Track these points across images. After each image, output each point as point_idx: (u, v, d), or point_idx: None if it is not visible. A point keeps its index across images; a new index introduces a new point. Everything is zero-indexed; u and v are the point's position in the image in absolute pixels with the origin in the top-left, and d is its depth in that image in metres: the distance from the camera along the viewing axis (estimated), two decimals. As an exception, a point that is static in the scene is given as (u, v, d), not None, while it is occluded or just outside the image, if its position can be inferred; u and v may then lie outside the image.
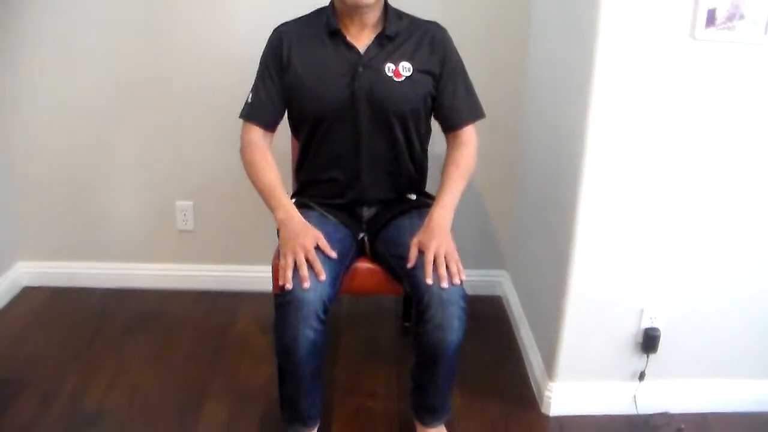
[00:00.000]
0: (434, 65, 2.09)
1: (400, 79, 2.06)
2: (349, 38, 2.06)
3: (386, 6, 2.09)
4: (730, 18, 1.89)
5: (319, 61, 2.06)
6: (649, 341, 2.22)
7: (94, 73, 2.77)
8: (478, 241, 3.01)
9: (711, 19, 1.88)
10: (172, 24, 2.72)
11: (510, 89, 2.77)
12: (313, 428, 2.08)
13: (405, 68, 2.06)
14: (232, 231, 3.01)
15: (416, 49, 2.08)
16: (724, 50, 1.92)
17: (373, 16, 2.05)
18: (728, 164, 2.04)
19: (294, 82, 2.08)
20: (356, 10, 2.01)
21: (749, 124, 2.00)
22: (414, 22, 2.12)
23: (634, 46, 1.90)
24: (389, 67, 2.05)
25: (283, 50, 2.08)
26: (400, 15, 2.11)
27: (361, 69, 2.04)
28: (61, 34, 2.72)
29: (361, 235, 2.16)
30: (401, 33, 2.08)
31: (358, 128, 2.07)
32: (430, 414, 2.09)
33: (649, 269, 2.15)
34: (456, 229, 2.02)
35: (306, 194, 2.21)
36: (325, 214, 2.11)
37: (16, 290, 3.05)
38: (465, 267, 1.94)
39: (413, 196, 2.21)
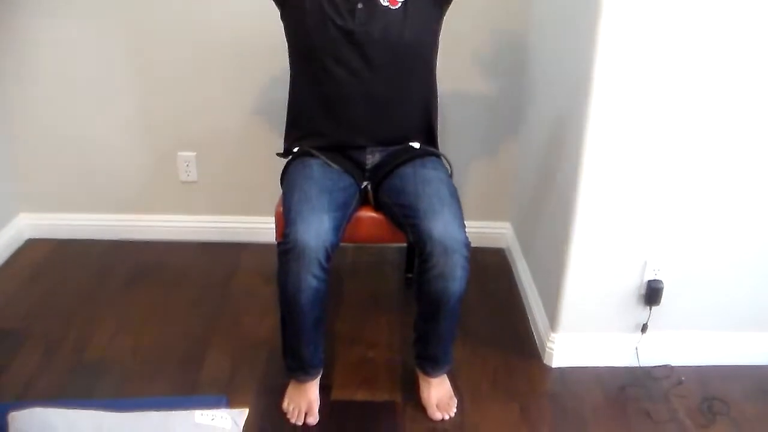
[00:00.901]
0: None
1: (395, 6, 2.04)
2: None
3: None
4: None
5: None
6: (652, 293, 2.21)
7: (92, 23, 2.73)
8: (482, 192, 2.99)
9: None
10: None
11: (515, 35, 2.73)
12: (316, 377, 2.09)
13: None
14: (236, 182, 3.00)
15: None
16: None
17: None
18: (732, 115, 2.01)
19: (291, 5, 2.07)
20: None
21: (752, 73, 1.96)
22: None
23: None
24: None
25: None
26: None
27: (360, 5, 2.02)
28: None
29: (365, 183, 2.14)
30: None
31: (356, 66, 2.05)
32: (432, 364, 2.10)
33: (652, 221, 2.14)
34: (460, 180, 2.01)
35: (306, 139, 2.19)
36: (329, 162, 2.10)
37: (19, 242, 3.05)
38: (468, 219, 1.94)
39: (416, 144, 2.19)
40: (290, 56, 2.19)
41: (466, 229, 1.91)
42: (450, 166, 2.18)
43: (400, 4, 2.04)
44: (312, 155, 2.13)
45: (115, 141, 2.94)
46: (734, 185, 2.10)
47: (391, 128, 2.15)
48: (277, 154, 2.26)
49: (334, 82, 2.07)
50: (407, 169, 2.09)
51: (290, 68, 2.21)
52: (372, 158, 2.15)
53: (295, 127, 2.24)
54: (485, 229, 3.02)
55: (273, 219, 2.16)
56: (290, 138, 2.25)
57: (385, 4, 2.04)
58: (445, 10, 2.15)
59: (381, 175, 2.12)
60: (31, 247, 3.05)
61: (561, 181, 2.24)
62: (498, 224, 3.07)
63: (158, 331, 2.48)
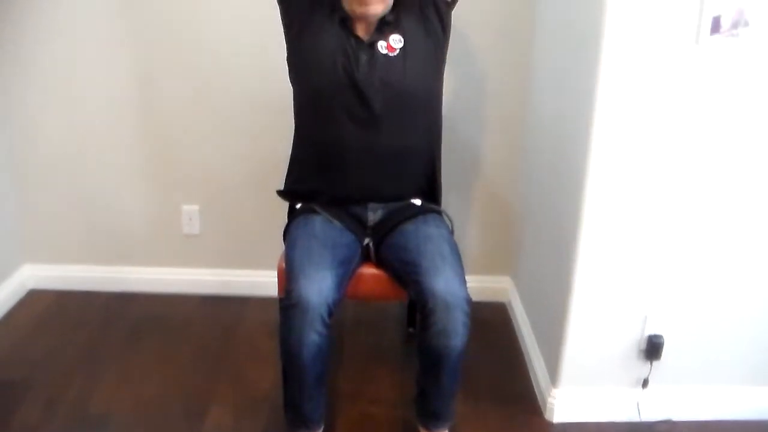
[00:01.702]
0: (419, 17, 2.11)
1: (393, 53, 2.07)
2: (354, 27, 2.09)
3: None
4: (735, 25, 1.89)
5: (324, 39, 2.08)
6: (652, 348, 2.22)
7: (100, 76, 2.79)
8: (483, 246, 3.01)
9: (716, 26, 1.88)
10: (181, 27, 2.72)
11: (515, 96, 2.77)
12: (317, 432, 2.09)
13: (395, 40, 2.08)
14: (238, 235, 3.02)
15: (404, 17, 2.10)
16: (728, 57, 1.92)
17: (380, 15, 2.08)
18: (732, 172, 2.04)
19: (303, 43, 2.11)
20: (365, 18, 2.06)
21: (754, 131, 2.00)
22: None
23: (638, 53, 1.90)
24: (381, 45, 2.07)
25: (315, 4, 2.11)
26: None
27: (360, 54, 2.06)
28: (69, 35, 2.73)
29: (367, 240, 2.16)
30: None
31: (359, 113, 2.07)
32: (434, 419, 2.10)
33: (652, 276, 2.15)
34: (460, 235, 2.02)
35: (304, 190, 2.21)
36: (331, 218, 2.11)
37: (22, 293, 3.06)
38: (469, 273, 1.95)
39: (418, 201, 2.21)
40: (295, 102, 2.22)
41: (468, 284, 1.93)
42: (451, 223, 2.20)
43: (398, 51, 2.08)
44: (314, 211, 2.15)
45: (120, 193, 2.97)
46: (734, 240, 2.12)
47: (393, 183, 2.17)
48: (277, 192, 2.29)
49: (337, 130, 2.09)
50: (409, 226, 2.10)
51: (294, 118, 2.23)
52: (374, 215, 2.17)
53: (296, 177, 2.26)
54: (486, 283, 3.03)
55: (275, 273, 2.18)
56: (291, 185, 2.27)
57: (384, 51, 2.07)
58: (445, 52, 2.19)
59: (383, 232, 2.14)
60: (33, 298, 3.06)
61: (561, 236, 2.25)
62: (499, 278, 3.08)
63: (161, 384, 2.47)
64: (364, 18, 2.06)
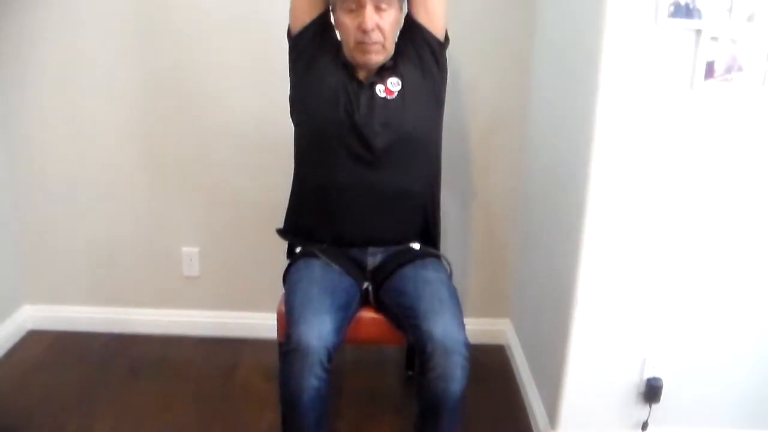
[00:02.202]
0: (415, 60, 2.15)
1: (391, 96, 2.11)
2: (355, 70, 2.13)
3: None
4: (728, 70, 1.92)
5: (328, 78, 2.12)
6: (651, 391, 2.22)
7: (100, 116, 2.82)
8: (481, 289, 3.01)
9: (710, 71, 1.92)
10: (181, 73, 2.77)
11: (513, 139, 2.80)
12: (316, 477, 2.08)
13: (393, 83, 2.12)
14: (238, 277, 3.02)
15: (401, 61, 2.15)
16: (722, 101, 1.95)
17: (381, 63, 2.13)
18: (728, 215, 2.06)
19: (308, 80, 2.15)
20: (366, 66, 2.11)
21: (748, 173, 2.02)
22: None
23: (634, 98, 1.93)
24: (380, 88, 2.11)
25: (321, 46, 2.15)
26: None
27: (360, 96, 2.10)
28: (70, 72, 2.77)
29: (366, 284, 2.17)
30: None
31: (359, 153, 2.10)
32: (433, 463, 2.09)
33: (651, 319, 2.16)
34: (459, 277, 2.03)
35: (304, 230, 2.23)
36: (330, 262, 2.13)
37: (21, 333, 3.06)
38: (468, 315, 1.96)
39: (417, 245, 2.22)
40: (295, 142, 2.25)
41: (467, 326, 1.94)
42: (450, 267, 2.21)
43: (396, 94, 2.11)
44: (314, 255, 2.16)
45: (120, 234, 2.98)
46: (732, 282, 2.13)
47: (393, 225, 2.19)
48: (277, 231, 2.30)
49: (337, 169, 2.12)
50: (408, 270, 2.12)
51: (294, 158, 2.26)
52: (373, 259, 2.19)
53: (296, 217, 2.28)
54: (485, 326, 3.02)
55: (274, 315, 2.18)
56: (291, 225, 2.29)
57: (382, 95, 2.11)
58: (443, 93, 2.23)
59: (382, 276, 2.15)
60: (33, 338, 3.06)
61: (560, 278, 2.27)
62: (498, 321, 3.07)
63: (159, 425, 2.47)
64: (365, 66, 2.11)
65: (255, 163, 2.84)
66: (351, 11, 2.05)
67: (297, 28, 2.14)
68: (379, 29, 2.04)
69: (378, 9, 2.03)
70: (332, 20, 2.14)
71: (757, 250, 2.10)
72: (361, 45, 2.06)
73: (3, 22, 2.70)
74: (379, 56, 2.09)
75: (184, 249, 2.99)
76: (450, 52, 2.21)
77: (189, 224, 2.96)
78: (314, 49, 2.14)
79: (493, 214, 2.90)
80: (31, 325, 3.11)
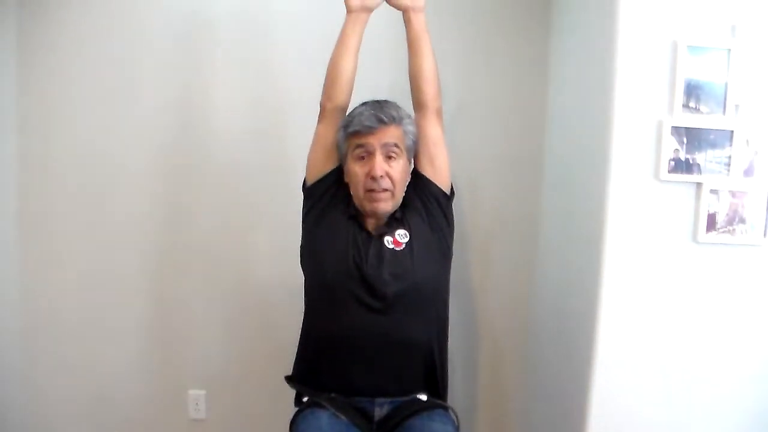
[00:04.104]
0: (423, 212, 2.20)
1: (399, 248, 2.14)
2: (365, 221, 2.18)
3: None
4: (730, 222, 1.96)
5: (337, 230, 2.17)
6: None
7: (107, 263, 2.88)
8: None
9: (712, 223, 1.96)
10: (188, 209, 2.86)
11: (520, 292, 2.84)
12: None
13: (401, 235, 2.16)
14: (245, 421, 2.98)
15: (408, 213, 2.19)
16: (724, 252, 1.98)
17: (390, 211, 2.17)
18: (731, 361, 2.06)
19: (318, 232, 2.19)
20: (374, 215, 2.15)
21: (750, 322, 2.03)
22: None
23: (639, 251, 1.97)
24: (388, 240, 2.14)
25: (333, 199, 2.21)
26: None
27: (369, 248, 2.13)
28: (77, 209, 2.86)
29: (373, 436, 2.15)
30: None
31: (368, 302, 2.11)
32: None
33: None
34: (467, 428, 2.01)
35: (312, 379, 2.21)
36: (337, 413, 2.11)
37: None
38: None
39: (424, 397, 2.19)
40: (306, 287, 2.26)
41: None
42: (457, 419, 2.18)
43: (404, 245, 2.15)
44: (321, 405, 2.14)
45: (126, 376, 2.96)
46: (733, 416, 2.11)
47: (401, 375, 2.18)
48: (285, 378, 2.29)
49: (346, 318, 2.12)
50: (415, 422, 2.09)
51: (304, 306, 2.27)
52: (380, 410, 2.16)
53: (305, 365, 2.26)
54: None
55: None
56: (299, 373, 2.27)
57: (390, 246, 2.15)
58: (451, 243, 2.26)
59: (389, 427, 2.12)
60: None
61: (567, 426, 2.24)
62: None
63: None
64: (374, 214, 2.15)
65: (264, 306, 2.87)
66: (361, 159, 2.12)
67: (312, 180, 2.22)
68: (388, 177, 2.11)
69: (387, 157, 2.11)
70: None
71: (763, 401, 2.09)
72: (371, 193, 2.12)
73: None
74: (387, 204, 2.14)
75: (191, 392, 2.96)
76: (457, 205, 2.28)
77: (196, 367, 2.95)
78: (326, 202, 2.21)
79: (500, 362, 2.89)
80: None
